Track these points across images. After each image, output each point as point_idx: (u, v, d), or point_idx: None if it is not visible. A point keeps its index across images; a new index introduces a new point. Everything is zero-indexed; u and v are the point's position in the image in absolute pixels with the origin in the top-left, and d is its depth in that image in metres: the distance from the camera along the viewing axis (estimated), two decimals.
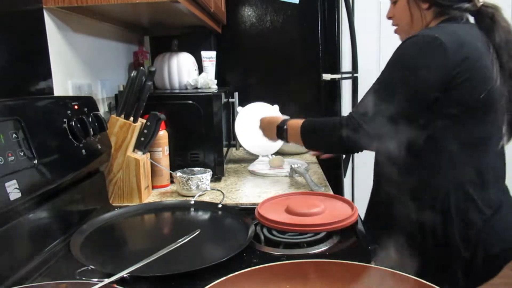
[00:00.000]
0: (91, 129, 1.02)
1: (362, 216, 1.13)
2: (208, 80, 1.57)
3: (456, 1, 1.11)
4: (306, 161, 1.65)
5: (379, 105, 1.06)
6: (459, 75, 1.02)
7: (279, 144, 1.64)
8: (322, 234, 0.91)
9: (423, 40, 1.05)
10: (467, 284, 1.12)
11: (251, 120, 1.62)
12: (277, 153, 1.69)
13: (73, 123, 0.97)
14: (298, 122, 1.25)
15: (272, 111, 1.67)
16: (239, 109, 1.67)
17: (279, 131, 1.30)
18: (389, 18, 1.24)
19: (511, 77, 1.09)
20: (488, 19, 1.11)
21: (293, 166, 1.47)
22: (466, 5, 1.11)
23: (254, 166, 1.59)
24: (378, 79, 1.10)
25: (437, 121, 1.06)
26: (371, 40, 2.81)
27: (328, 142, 1.19)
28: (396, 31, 1.25)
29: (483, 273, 1.14)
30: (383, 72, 1.10)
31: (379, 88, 1.09)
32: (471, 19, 1.15)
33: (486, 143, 1.09)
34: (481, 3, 1.12)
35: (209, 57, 1.69)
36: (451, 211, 1.06)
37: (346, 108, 2.44)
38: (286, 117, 1.38)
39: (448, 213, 1.06)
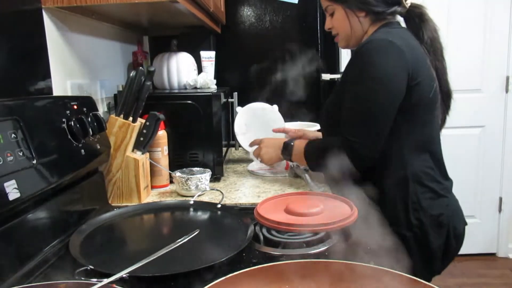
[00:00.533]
0: (90, 129, 1.02)
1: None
2: (207, 80, 1.57)
3: (389, 7, 1.19)
4: None
5: (365, 121, 1.12)
6: (414, 76, 1.11)
7: None
8: (321, 234, 0.91)
9: (379, 45, 1.11)
10: (443, 265, 1.23)
11: (251, 120, 1.62)
12: None
13: (72, 123, 0.96)
14: (302, 143, 1.30)
15: (271, 111, 1.67)
16: (238, 109, 1.67)
17: (286, 147, 1.33)
18: (328, 29, 1.30)
19: (437, 75, 1.20)
20: (417, 18, 1.22)
21: (292, 166, 1.47)
22: (398, 8, 1.20)
23: (254, 166, 1.59)
24: (350, 96, 1.14)
25: (398, 121, 1.13)
26: None
27: (331, 166, 1.16)
28: (336, 40, 1.30)
29: (454, 252, 1.23)
30: (352, 86, 1.14)
31: (356, 105, 1.13)
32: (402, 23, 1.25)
33: (435, 137, 1.22)
34: (408, 4, 1.21)
35: (208, 57, 1.69)
36: (420, 201, 1.15)
37: None
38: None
39: (416, 203, 1.16)
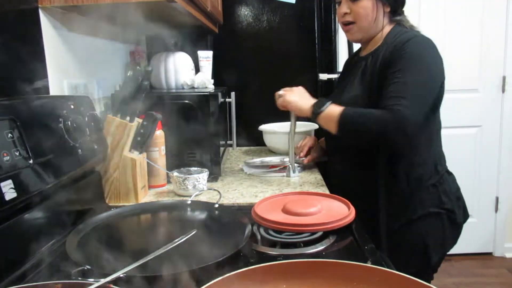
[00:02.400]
0: (87, 129, 1.02)
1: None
2: (204, 79, 1.57)
3: (402, 9, 1.28)
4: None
5: (419, 100, 1.13)
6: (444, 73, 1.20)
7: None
8: (319, 233, 0.91)
9: (426, 41, 1.18)
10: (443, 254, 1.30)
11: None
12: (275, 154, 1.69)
13: (69, 122, 0.96)
14: (337, 107, 1.20)
15: None
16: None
17: (319, 104, 1.23)
18: (344, 14, 1.25)
19: None
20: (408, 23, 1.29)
21: (289, 164, 1.46)
22: (402, 17, 1.28)
23: (248, 169, 1.57)
24: (400, 79, 1.14)
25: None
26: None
27: (371, 131, 1.15)
28: (349, 29, 1.26)
29: (464, 221, 1.32)
30: (407, 72, 1.15)
31: (413, 86, 1.14)
32: None
33: (440, 128, 1.30)
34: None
35: (205, 56, 1.69)
36: (443, 180, 1.24)
37: None
38: None
39: (443, 183, 1.24)
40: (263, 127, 1.88)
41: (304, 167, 1.55)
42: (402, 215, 1.23)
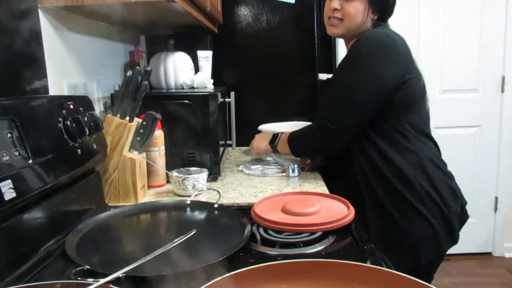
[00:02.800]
0: (86, 129, 1.02)
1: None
2: (204, 79, 1.57)
3: (390, 15, 1.31)
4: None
5: (346, 110, 1.20)
6: (407, 71, 1.20)
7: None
8: (318, 233, 0.91)
9: (381, 40, 1.19)
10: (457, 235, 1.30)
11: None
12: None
13: (68, 122, 0.96)
14: (287, 133, 1.40)
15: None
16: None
17: (273, 139, 1.44)
18: (334, 9, 1.27)
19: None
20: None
21: (288, 165, 1.46)
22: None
23: (249, 168, 1.57)
24: (336, 82, 1.25)
25: (394, 111, 1.22)
26: None
27: (309, 147, 1.36)
28: (333, 23, 1.29)
29: (465, 220, 1.33)
30: (340, 74, 1.24)
31: (340, 92, 1.22)
32: None
33: (426, 120, 1.32)
34: None
35: (205, 56, 1.68)
36: (437, 180, 1.24)
37: None
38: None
39: (436, 183, 1.24)
40: (262, 127, 1.88)
41: (302, 169, 1.55)
42: (391, 215, 1.24)
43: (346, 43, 1.36)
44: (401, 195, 1.22)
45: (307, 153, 1.46)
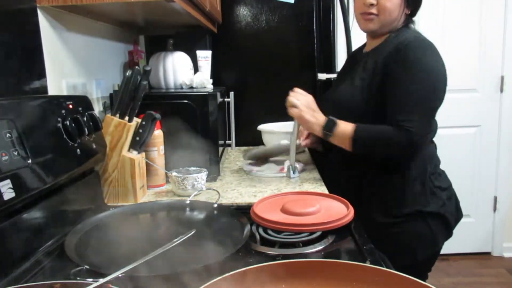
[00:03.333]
0: (86, 129, 1.01)
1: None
2: (203, 79, 1.57)
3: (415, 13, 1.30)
4: (300, 161, 1.65)
5: (423, 111, 1.16)
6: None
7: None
8: (318, 233, 0.91)
9: (426, 44, 1.19)
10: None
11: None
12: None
13: (67, 122, 0.96)
14: (348, 126, 1.22)
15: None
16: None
17: (329, 124, 1.23)
18: (371, 4, 1.24)
19: None
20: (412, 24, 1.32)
21: (287, 165, 1.46)
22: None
23: (248, 167, 1.57)
24: (403, 87, 1.16)
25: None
26: (366, 39, 2.82)
27: (384, 151, 1.21)
28: (368, 18, 1.26)
29: (459, 219, 1.34)
30: (404, 80, 1.16)
31: (412, 95, 1.16)
32: None
33: (436, 129, 1.31)
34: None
35: (204, 56, 1.68)
36: (434, 182, 1.25)
37: None
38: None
39: (433, 185, 1.24)
40: (261, 127, 1.88)
41: (304, 168, 1.55)
42: (388, 212, 1.25)
43: (371, 39, 1.33)
44: (400, 190, 1.23)
45: (377, 156, 1.26)
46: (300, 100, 1.29)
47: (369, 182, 1.28)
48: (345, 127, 1.22)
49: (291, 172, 1.46)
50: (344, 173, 1.36)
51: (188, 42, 1.81)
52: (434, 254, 1.30)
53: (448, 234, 1.28)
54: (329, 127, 1.23)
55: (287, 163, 1.47)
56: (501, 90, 2.87)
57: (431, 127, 1.24)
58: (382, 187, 1.26)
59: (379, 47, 1.27)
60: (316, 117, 1.27)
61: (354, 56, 1.45)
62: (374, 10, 1.24)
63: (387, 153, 1.21)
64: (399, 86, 1.16)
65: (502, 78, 2.85)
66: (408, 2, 1.24)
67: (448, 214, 1.25)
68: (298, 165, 1.53)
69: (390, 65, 1.19)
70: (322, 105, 1.43)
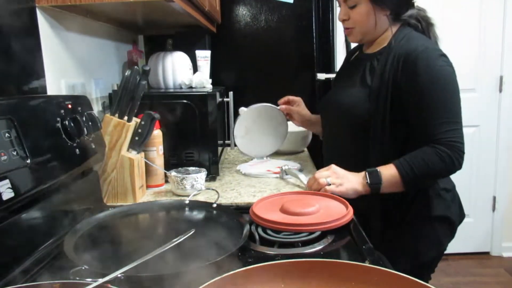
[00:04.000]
0: (85, 129, 1.01)
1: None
2: (202, 79, 1.57)
3: (407, 10, 1.24)
4: (299, 162, 1.65)
5: (455, 123, 1.15)
6: None
7: (274, 147, 1.64)
8: (317, 233, 0.91)
9: (438, 55, 1.17)
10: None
11: (253, 122, 1.58)
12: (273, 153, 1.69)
13: (66, 122, 0.96)
14: (389, 169, 1.14)
15: (277, 113, 1.60)
16: (241, 109, 1.58)
17: (372, 178, 1.13)
18: (342, 20, 1.27)
19: None
20: (424, 22, 1.27)
21: (283, 167, 1.45)
22: (414, 11, 1.25)
23: (247, 169, 1.56)
24: (426, 101, 1.14)
25: None
26: None
27: (438, 176, 1.21)
28: (350, 32, 1.28)
29: (462, 219, 1.33)
30: (425, 93, 1.14)
31: (441, 110, 1.14)
32: None
33: None
34: (416, 7, 1.27)
35: (203, 56, 1.68)
36: (440, 184, 1.25)
37: None
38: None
39: (439, 187, 1.25)
40: None
41: (300, 170, 1.53)
42: (394, 216, 1.23)
43: (368, 44, 1.33)
44: (405, 194, 1.21)
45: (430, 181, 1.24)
46: (324, 174, 1.17)
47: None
48: (387, 173, 1.13)
49: (284, 173, 1.44)
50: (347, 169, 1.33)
51: (187, 42, 1.81)
52: (438, 256, 1.29)
53: (452, 235, 1.28)
54: (373, 178, 1.13)
55: (284, 167, 1.46)
56: (500, 90, 2.87)
57: (462, 133, 1.18)
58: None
59: (385, 49, 1.23)
60: (350, 179, 1.16)
61: (353, 55, 1.43)
62: (349, 25, 1.26)
63: (443, 176, 1.23)
64: (427, 102, 1.14)
65: (501, 78, 2.85)
66: (379, 6, 1.20)
67: (453, 216, 1.25)
68: (296, 166, 1.52)
69: (403, 78, 1.16)
70: (322, 108, 1.43)
